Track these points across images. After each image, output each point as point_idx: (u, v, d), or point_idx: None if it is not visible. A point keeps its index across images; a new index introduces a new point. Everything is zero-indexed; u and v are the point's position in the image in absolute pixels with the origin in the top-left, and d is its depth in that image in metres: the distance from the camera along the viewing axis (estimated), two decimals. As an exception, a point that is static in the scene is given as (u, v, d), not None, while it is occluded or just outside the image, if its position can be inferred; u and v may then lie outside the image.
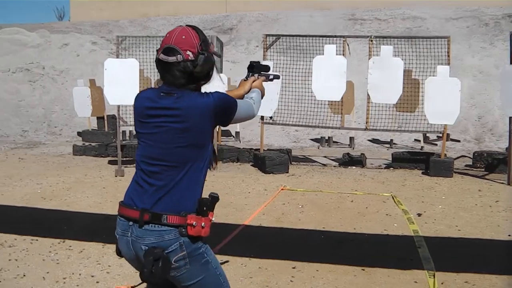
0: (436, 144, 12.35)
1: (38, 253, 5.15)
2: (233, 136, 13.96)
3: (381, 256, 4.97)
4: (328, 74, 9.52)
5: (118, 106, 9.75)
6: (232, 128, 13.93)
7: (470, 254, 5.11)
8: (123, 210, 2.40)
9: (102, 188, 8.15)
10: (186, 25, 2.44)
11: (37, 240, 5.54)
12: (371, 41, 9.90)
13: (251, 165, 10.19)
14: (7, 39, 19.32)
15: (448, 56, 9.54)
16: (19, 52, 18.83)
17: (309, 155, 11.46)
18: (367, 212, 6.66)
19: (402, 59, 9.55)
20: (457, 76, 9.69)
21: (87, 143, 12.72)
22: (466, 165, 10.14)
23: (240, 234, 5.75)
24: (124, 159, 10.32)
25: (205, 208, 2.34)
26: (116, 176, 9.04)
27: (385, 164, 10.27)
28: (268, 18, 19.99)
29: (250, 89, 2.87)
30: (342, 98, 10.01)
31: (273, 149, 10.88)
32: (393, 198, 7.38)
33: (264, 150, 10.21)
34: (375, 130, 10.50)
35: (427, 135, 12.36)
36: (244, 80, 2.92)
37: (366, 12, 19.00)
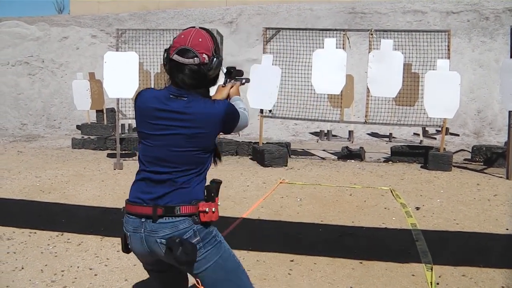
0: (435, 138, 12.33)
1: (36, 246, 5.16)
2: (232, 130, 13.92)
3: (379, 250, 4.98)
4: (327, 68, 9.52)
5: (118, 99, 9.74)
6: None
7: (468, 247, 5.12)
8: (131, 208, 2.45)
9: (101, 181, 8.15)
10: (200, 27, 2.47)
11: (35, 233, 5.55)
12: (371, 34, 9.87)
13: (250, 158, 10.19)
14: (7, 32, 19.20)
15: (448, 50, 9.52)
16: (18, 45, 18.73)
17: (308, 149, 11.46)
18: (365, 205, 6.67)
19: (402, 53, 9.53)
20: (457, 70, 9.65)
21: (86, 136, 12.71)
22: (465, 159, 10.14)
23: (238, 227, 5.75)
24: (123, 152, 10.34)
25: (212, 194, 2.44)
26: (114, 169, 9.04)
27: (384, 157, 10.26)
28: (268, 11, 19.92)
29: (228, 95, 2.81)
30: (341, 91, 9.99)
31: (272, 142, 10.88)
32: (391, 191, 7.38)
33: (263, 143, 10.21)
34: (374, 123, 10.48)
35: (426, 129, 12.35)
36: (222, 86, 2.86)
37: (367, 6, 18.95)
